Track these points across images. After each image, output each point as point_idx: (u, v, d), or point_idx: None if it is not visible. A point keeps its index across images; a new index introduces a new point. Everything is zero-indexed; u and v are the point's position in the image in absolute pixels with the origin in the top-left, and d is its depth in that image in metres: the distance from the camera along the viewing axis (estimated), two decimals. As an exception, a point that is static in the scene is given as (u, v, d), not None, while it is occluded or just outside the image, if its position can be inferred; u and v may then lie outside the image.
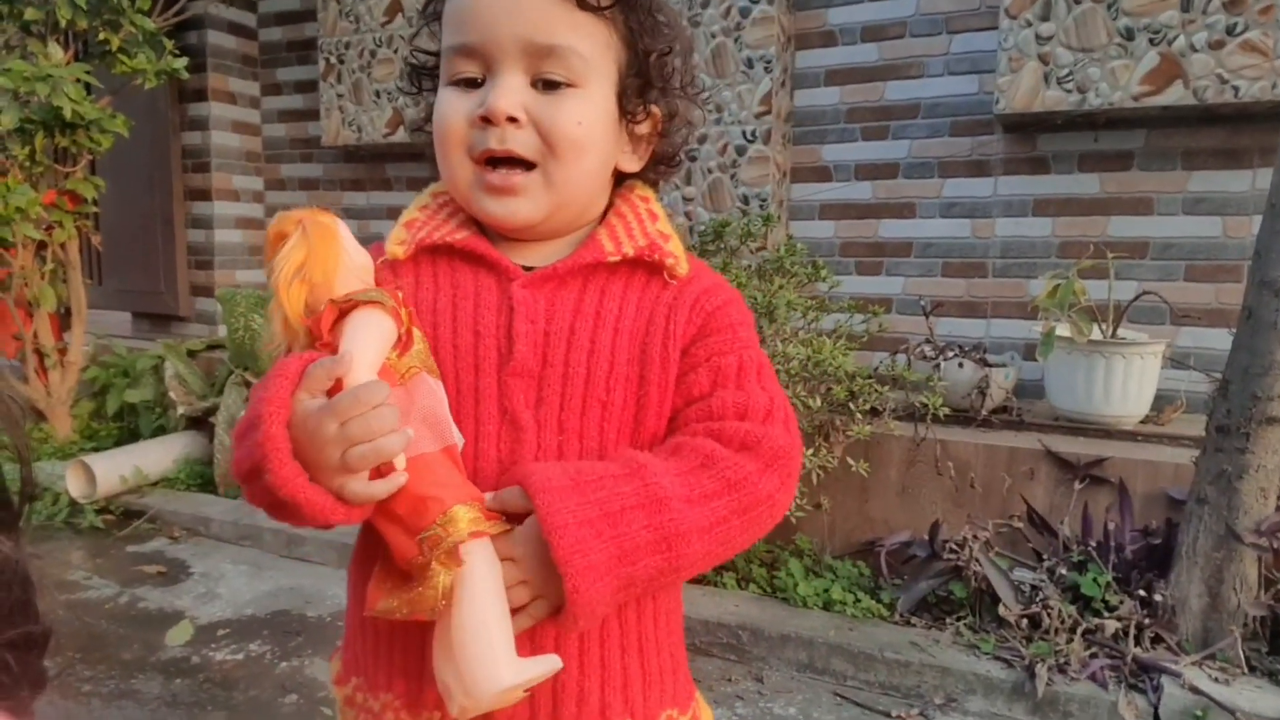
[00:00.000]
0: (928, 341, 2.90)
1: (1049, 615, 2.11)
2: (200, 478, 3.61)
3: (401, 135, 3.94)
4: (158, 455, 3.58)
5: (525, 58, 0.72)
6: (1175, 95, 2.62)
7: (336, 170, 4.40)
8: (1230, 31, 2.54)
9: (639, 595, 0.71)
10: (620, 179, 0.83)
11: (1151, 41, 2.63)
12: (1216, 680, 1.91)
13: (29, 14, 3.33)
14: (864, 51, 3.22)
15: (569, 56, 0.72)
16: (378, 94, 3.97)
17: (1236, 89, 2.56)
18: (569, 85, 0.73)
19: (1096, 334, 2.56)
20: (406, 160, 4.17)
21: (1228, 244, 2.76)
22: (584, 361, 0.74)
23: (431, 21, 0.81)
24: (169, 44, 3.57)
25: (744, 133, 3.25)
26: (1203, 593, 2.04)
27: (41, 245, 3.59)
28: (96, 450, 3.62)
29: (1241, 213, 2.73)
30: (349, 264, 0.72)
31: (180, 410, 3.68)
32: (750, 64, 3.20)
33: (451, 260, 0.79)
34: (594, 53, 0.74)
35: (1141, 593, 2.11)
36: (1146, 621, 2.06)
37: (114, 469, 3.38)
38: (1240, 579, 2.00)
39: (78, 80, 3.27)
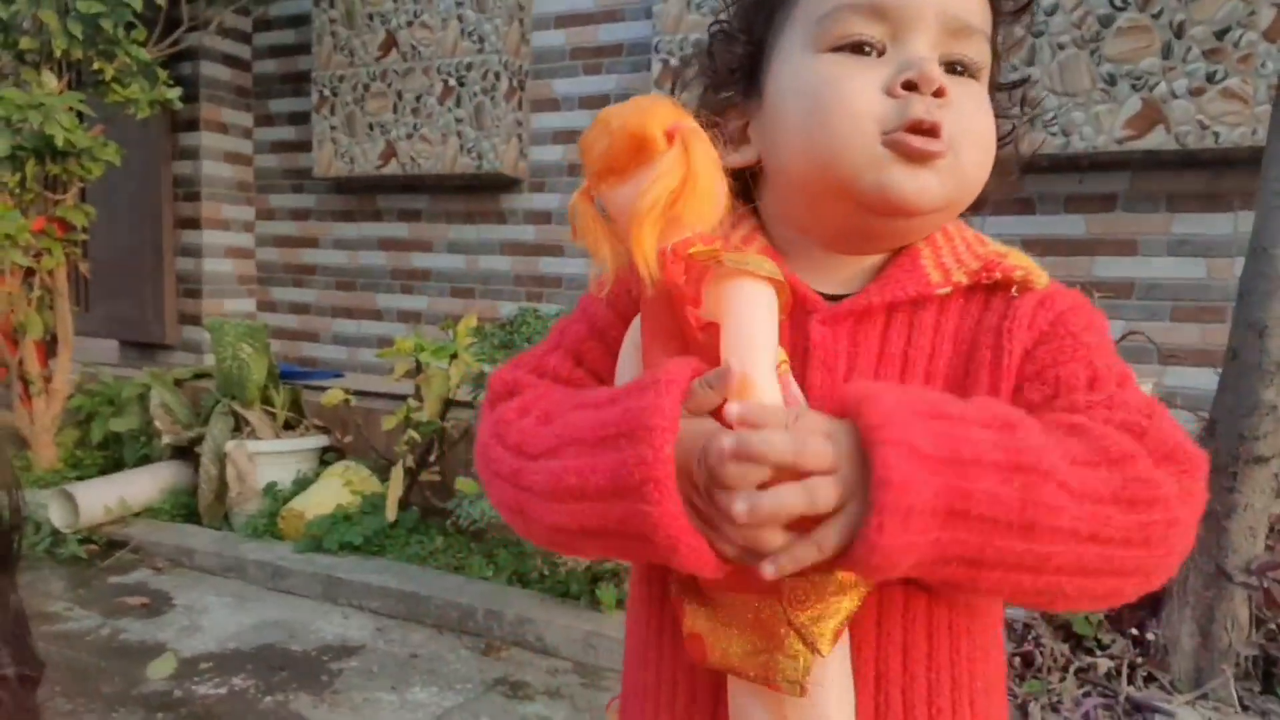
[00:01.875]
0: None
1: (1041, 654, 2.11)
2: (185, 508, 3.56)
3: (394, 167, 3.96)
4: (142, 485, 3.54)
5: (942, 33, 0.62)
6: (1157, 140, 2.68)
7: (328, 201, 4.41)
8: (1211, 79, 2.61)
9: (973, 576, 0.50)
10: None
11: (1134, 87, 2.70)
12: (1209, 720, 1.92)
13: (24, 43, 3.35)
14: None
15: (982, 44, 0.64)
16: (370, 126, 4.00)
17: (1217, 135, 2.62)
18: (974, 78, 0.64)
19: (1084, 372, 2.59)
20: (398, 192, 4.19)
21: (1212, 285, 2.81)
22: None
23: None
24: (163, 74, 3.59)
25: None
26: (1194, 632, 2.05)
27: (29, 272, 3.57)
28: (80, 479, 3.57)
29: (1225, 255, 2.78)
30: (721, 199, 0.56)
31: (165, 440, 3.64)
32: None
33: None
34: (988, 54, 0.66)
35: (1134, 631, 2.11)
36: (1139, 660, 2.06)
37: (97, 498, 3.33)
38: (1231, 618, 2.01)
39: (70, 109, 3.28)
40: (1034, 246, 3.33)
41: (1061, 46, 2.77)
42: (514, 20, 3.73)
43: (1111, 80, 2.72)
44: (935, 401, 0.51)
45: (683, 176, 0.53)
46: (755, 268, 0.54)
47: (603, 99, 3.70)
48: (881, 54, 0.62)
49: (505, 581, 2.84)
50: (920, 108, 0.60)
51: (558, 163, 3.83)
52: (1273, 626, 2.04)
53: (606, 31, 3.69)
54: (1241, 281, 2.08)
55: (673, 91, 0.71)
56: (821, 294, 0.65)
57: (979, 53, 0.64)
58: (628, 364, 0.62)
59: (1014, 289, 0.65)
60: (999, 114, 0.68)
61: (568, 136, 3.79)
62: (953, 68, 0.63)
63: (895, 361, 0.63)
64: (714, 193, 0.54)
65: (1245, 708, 1.96)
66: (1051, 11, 2.77)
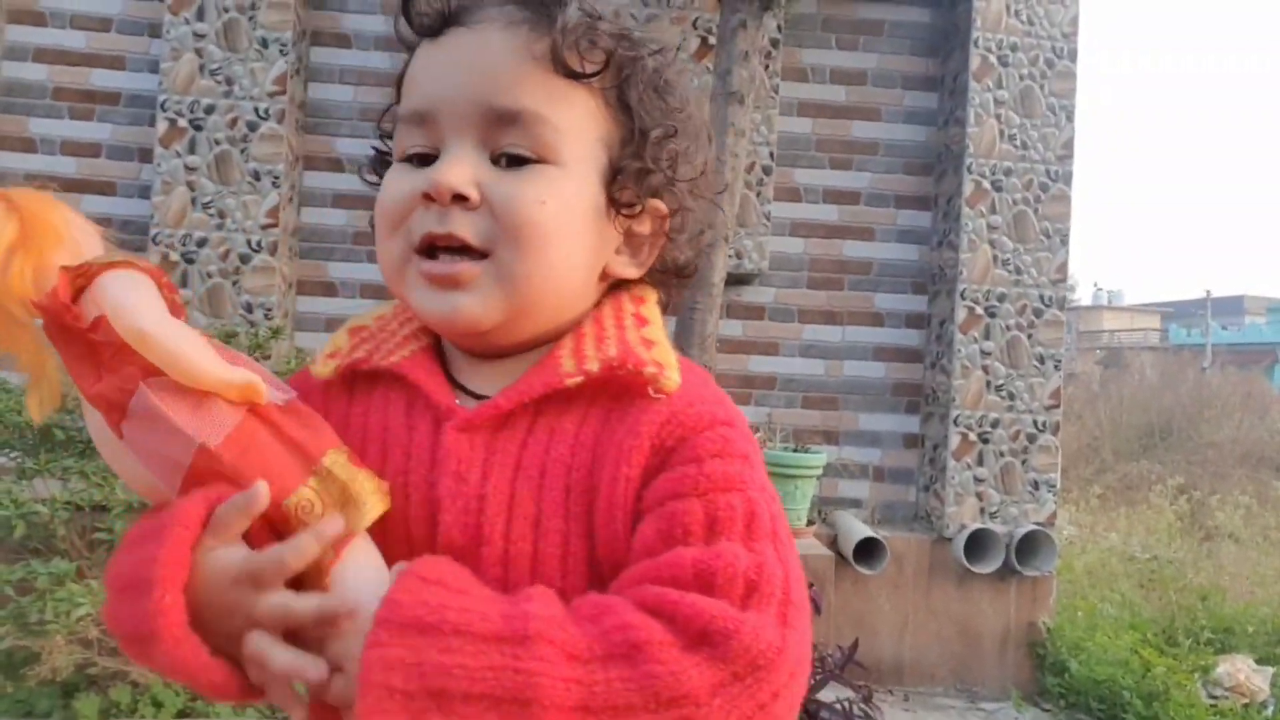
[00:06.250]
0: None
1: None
2: None
3: None
4: None
5: (485, 126, 0.59)
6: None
7: None
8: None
9: None
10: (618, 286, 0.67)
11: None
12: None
13: None
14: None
15: (537, 125, 0.58)
16: None
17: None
18: (538, 161, 0.59)
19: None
20: None
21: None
22: (529, 536, 0.56)
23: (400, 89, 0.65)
24: None
25: (249, 242, 3.26)
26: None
27: None
28: None
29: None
30: (84, 233, 0.58)
31: None
32: (258, 176, 3.27)
33: (389, 389, 0.63)
34: (573, 125, 0.60)
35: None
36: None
37: None
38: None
39: None
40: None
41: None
42: (-23, 45, 3.21)
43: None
44: (441, 605, 0.49)
45: (18, 221, 0.55)
46: (124, 258, 0.56)
47: (94, 146, 3.38)
48: (435, 160, 0.60)
49: (-53, 707, 2.39)
50: (430, 220, 0.58)
51: (30, 211, 3.35)
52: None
53: (101, 76, 3.39)
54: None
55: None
56: (482, 396, 0.61)
57: (536, 138, 0.59)
58: (108, 451, 0.59)
59: (651, 390, 0.58)
60: (641, 188, 0.62)
61: (45, 182, 3.35)
62: (501, 159, 0.59)
63: (532, 475, 0.57)
64: (55, 225, 0.57)
65: None
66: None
